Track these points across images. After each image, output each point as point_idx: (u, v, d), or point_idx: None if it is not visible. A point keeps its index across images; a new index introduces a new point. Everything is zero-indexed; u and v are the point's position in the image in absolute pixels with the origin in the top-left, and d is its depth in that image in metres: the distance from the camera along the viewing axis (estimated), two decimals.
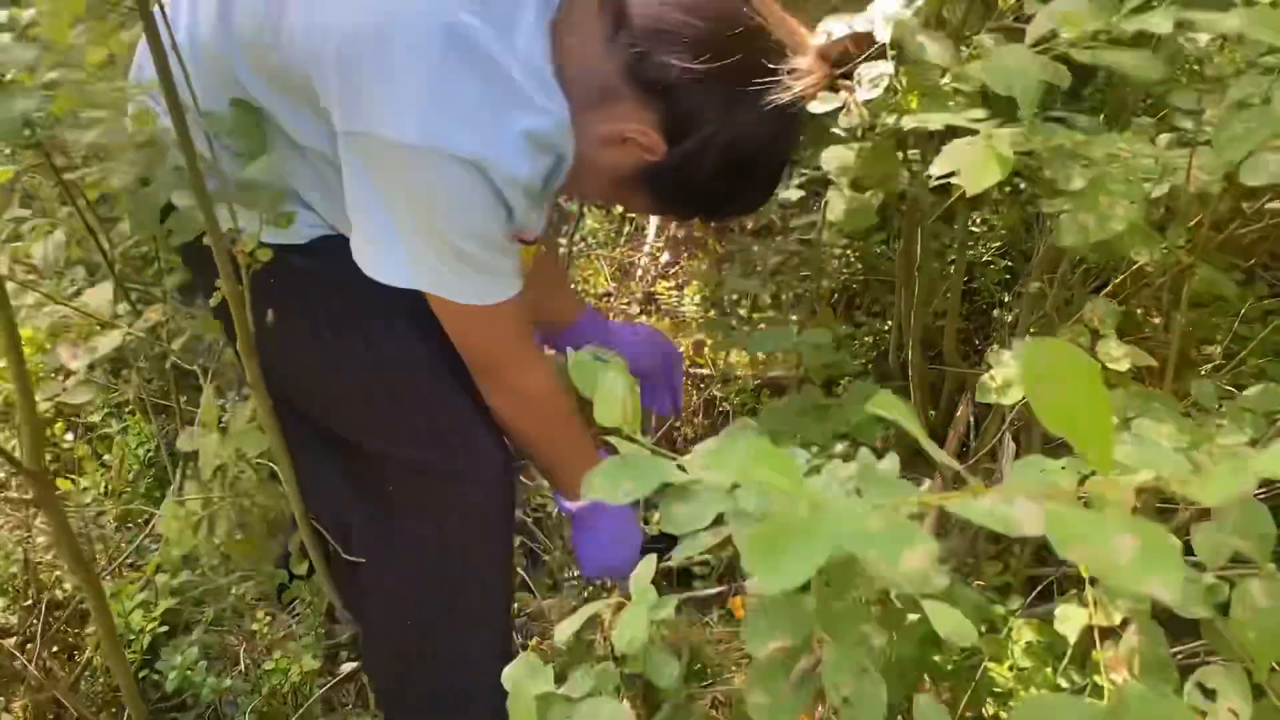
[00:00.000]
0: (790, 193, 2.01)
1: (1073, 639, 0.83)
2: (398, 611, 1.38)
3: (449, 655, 1.38)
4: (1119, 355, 0.87)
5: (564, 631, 0.84)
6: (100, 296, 1.00)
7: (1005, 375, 0.92)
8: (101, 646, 1.13)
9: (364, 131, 0.99)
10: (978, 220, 2.50)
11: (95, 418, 2.24)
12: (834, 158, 1.10)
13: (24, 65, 0.70)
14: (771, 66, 1.02)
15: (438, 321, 1.16)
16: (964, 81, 0.83)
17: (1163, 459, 0.63)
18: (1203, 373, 1.89)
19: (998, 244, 2.49)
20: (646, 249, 2.83)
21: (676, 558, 0.71)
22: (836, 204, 1.09)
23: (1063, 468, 0.66)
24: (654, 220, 2.89)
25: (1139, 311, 2.12)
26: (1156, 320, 2.10)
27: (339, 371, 1.27)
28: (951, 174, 0.84)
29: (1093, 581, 0.82)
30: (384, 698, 1.54)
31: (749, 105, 1.03)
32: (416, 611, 1.37)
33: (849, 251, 2.48)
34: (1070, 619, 0.80)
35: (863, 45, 1.00)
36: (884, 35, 0.90)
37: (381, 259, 1.08)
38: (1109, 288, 2.00)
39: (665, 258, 2.81)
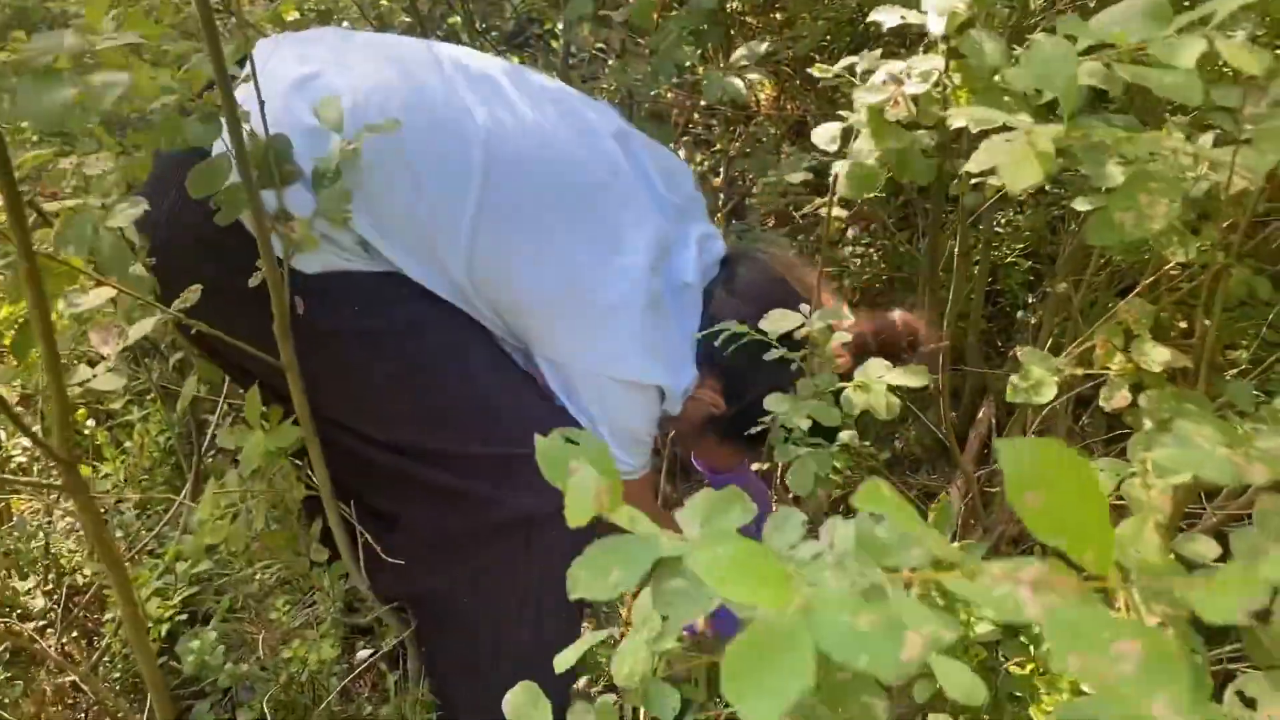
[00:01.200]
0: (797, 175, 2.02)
1: None
2: (475, 606, 1.39)
3: (524, 646, 1.39)
4: (1155, 356, 0.86)
5: (563, 660, 0.80)
6: (142, 277, 1.00)
7: (1037, 374, 0.91)
8: (125, 632, 1.13)
9: (582, 364, 1.32)
10: (1002, 221, 2.49)
11: (116, 405, 2.25)
12: (824, 133, 1.08)
13: (72, 51, 0.70)
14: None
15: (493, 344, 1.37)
16: (1010, 82, 0.81)
17: (1205, 460, 0.61)
18: (1228, 378, 1.87)
19: (1021, 245, 2.47)
20: None
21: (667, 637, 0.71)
22: (840, 172, 1.05)
23: (1102, 470, 0.65)
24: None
25: (1162, 315, 2.09)
26: (1183, 325, 2.08)
27: (412, 388, 1.32)
28: (988, 173, 0.83)
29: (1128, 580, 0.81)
30: (451, 695, 1.53)
31: (790, 375, 1.25)
32: (495, 604, 1.38)
33: (871, 250, 2.47)
34: None
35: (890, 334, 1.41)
36: (938, 28, 0.89)
37: None
38: (1135, 291, 1.98)
39: None
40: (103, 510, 1.93)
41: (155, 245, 1.29)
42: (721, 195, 2.91)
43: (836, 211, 1.10)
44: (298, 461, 1.35)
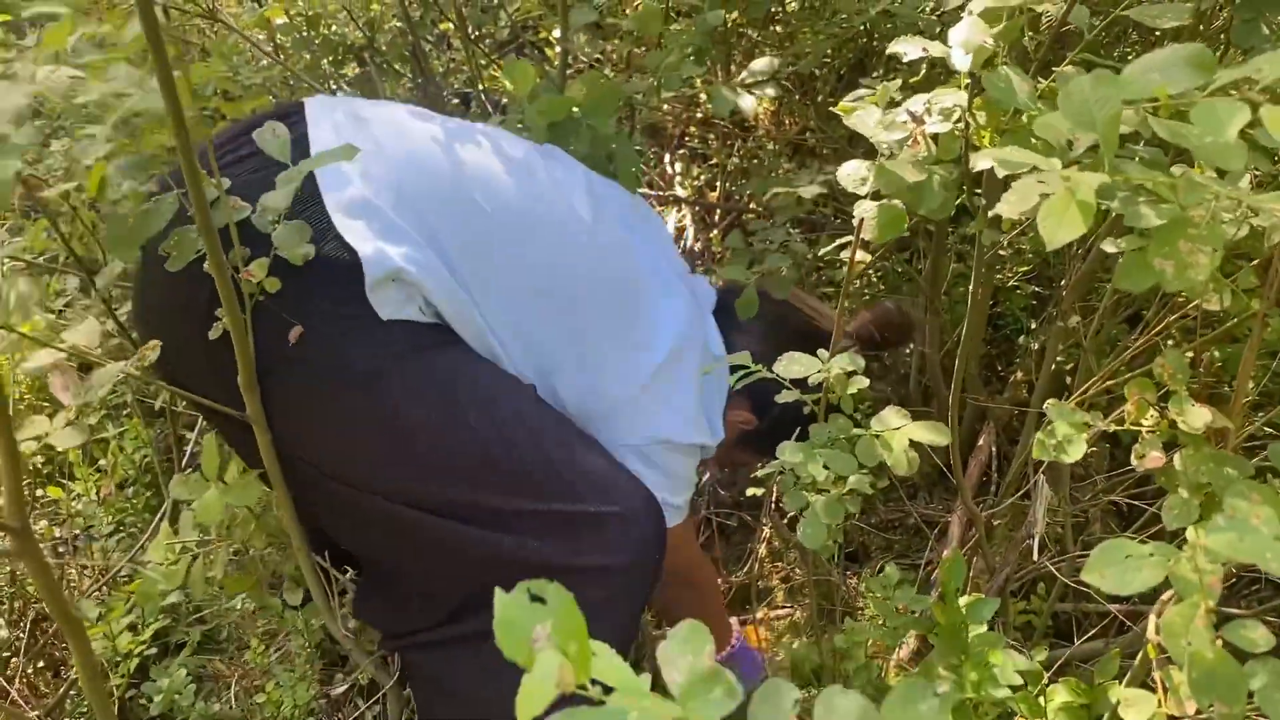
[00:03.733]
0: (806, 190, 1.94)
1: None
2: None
3: None
4: (1194, 417, 0.80)
5: None
6: (86, 332, 0.93)
7: (1064, 430, 0.85)
8: (83, 689, 1.06)
9: (637, 440, 1.37)
10: (1005, 243, 2.43)
11: (92, 420, 2.18)
12: (850, 174, 1.02)
13: (12, 114, 0.63)
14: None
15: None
16: (1044, 126, 0.75)
17: (1266, 549, 0.55)
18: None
19: (1024, 268, 2.42)
20: None
21: None
22: (866, 215, 1.00)
23: (1150, 554, 0.59)
24: (669, 229, 2.83)
25: (1168, 343, 2.04)
26: (1188, 354, 2.02)
27: (491, 442, 1.25)
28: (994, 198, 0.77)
29: (1164, 660, 0.76)
30: None
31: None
32: None
33: (871, 271, 2.41)
34: (1138, 706, 0.73)
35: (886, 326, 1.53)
36: (963, 64, 0.83)
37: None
38: (1144, 323, 1.93)
39: None
40: (74, 534, 1.86)
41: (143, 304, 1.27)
42: (718, 210, 2.85)
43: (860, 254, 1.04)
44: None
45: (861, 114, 1.04)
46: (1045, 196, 0.69)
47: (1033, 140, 0.80)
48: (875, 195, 1.02)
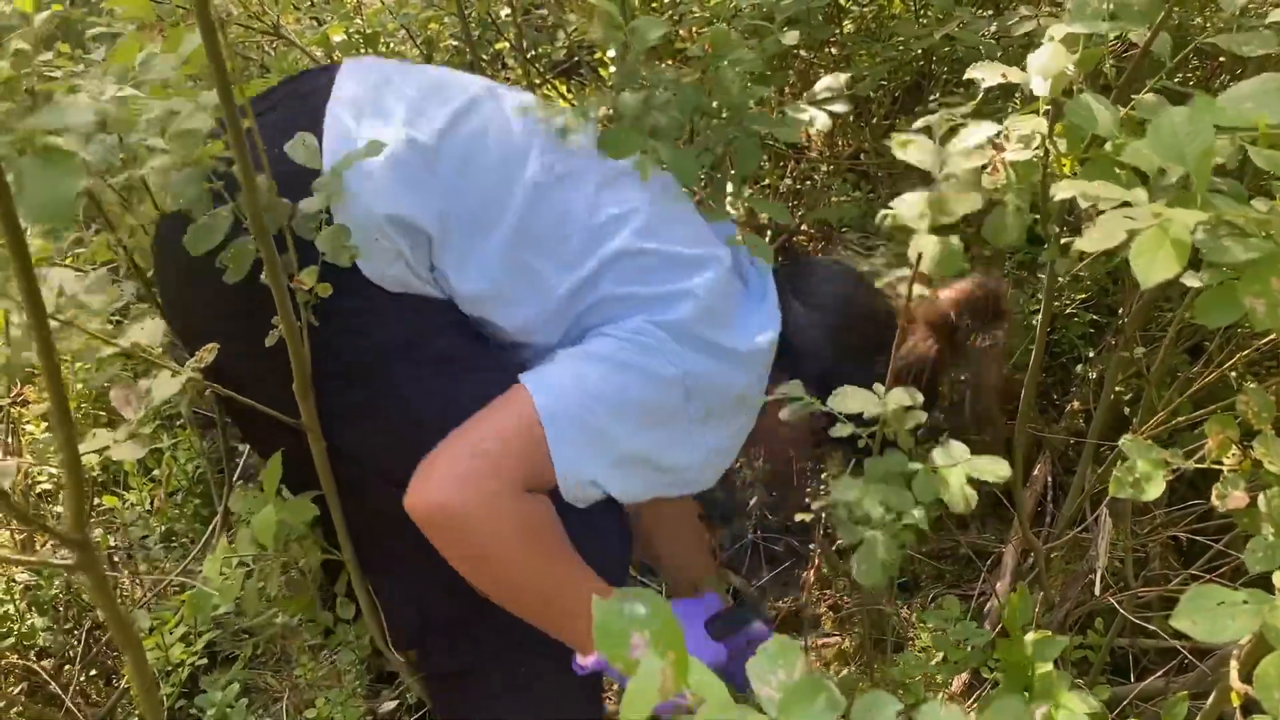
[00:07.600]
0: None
1: None
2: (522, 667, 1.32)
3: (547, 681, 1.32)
4: None
5: None
6: (150, 333, 0.94)
7: (1143, 468, 0.83)
8: (136, 700, 1.07)
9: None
10: (1062, 270, 2.39)
11: (146, 430, 2.20)
12: (909, 205, 0.96)
13: (81, 129, 0.64)
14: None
15: None
16: (1131, 156, 0.74)
17: None
18: None
19: (1083, 295, 2.37)
20: None
21: None
22: (923, 250, 0.95)
23: (1244, 602, 0.57)
24: None
25: (1233, 375, 2.00)
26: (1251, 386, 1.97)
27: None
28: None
29: (1245, 712, 0.73)
30: None
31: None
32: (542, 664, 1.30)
33: (925, 294, 2.38)
34: None
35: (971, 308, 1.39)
36: (1042, 90, 0.82)
37: None
38: (1207, 355, 1.89)
39: None
40: (128, 544, 1.88)
41: (170, 303, 1.29)
42: (769, 231, 2.84)
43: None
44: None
45: (916, 146, 1.00)
46: (1133, 233, 0.68)
47: (1116, 170, 0.78)
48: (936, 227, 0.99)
